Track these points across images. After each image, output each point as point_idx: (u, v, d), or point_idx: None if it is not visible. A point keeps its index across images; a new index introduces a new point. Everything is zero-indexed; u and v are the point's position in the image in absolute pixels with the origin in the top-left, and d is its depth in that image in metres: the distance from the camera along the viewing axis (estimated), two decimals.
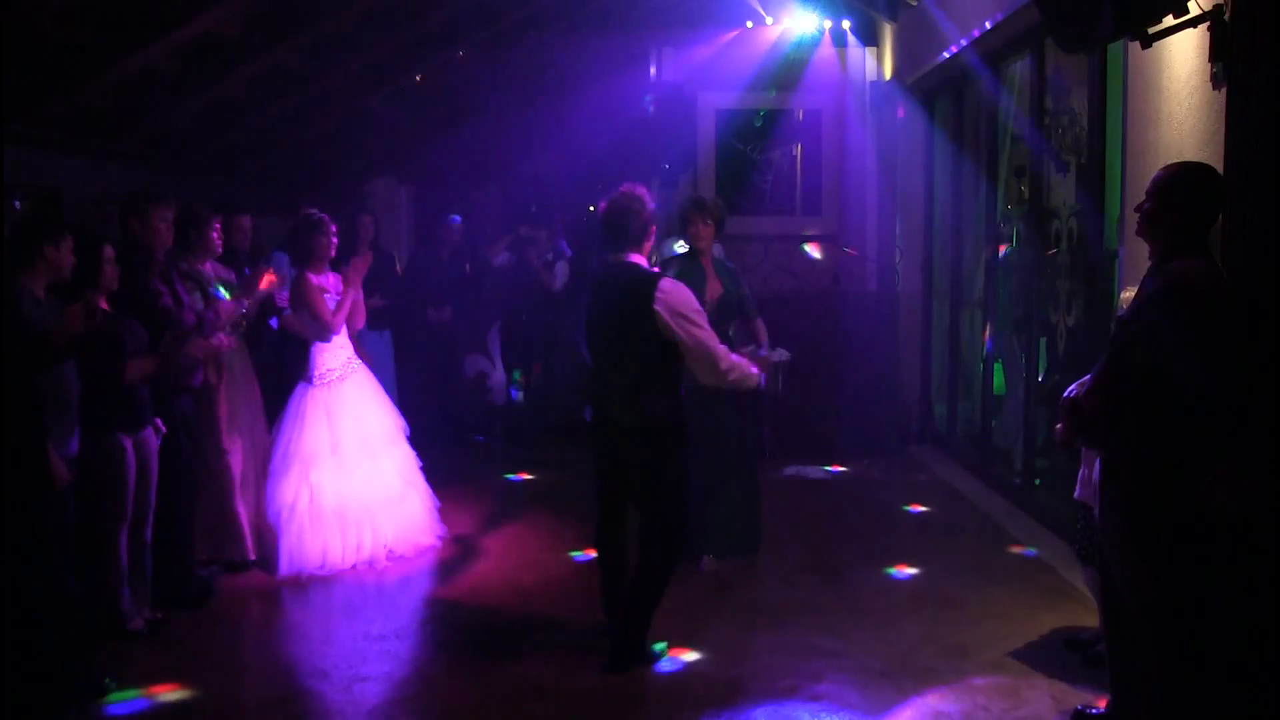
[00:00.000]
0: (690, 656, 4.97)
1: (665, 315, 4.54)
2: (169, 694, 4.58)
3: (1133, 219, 3.86)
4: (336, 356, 6.30)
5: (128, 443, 4.96)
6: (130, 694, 4.54)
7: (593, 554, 5.29)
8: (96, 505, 4.85)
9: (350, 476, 6.15)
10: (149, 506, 5.17)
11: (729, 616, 5.46)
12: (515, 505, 7.67)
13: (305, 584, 5.94)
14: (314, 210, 6.44)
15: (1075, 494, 4.64)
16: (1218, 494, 3.33)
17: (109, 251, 4.88)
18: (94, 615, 4.89)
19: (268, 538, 6.10)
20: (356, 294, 6.35)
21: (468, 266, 10.04)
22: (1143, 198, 3.68)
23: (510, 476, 8.46)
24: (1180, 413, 3.43)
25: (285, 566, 6.01)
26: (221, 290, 5.85)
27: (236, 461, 6.07)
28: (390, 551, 6.28)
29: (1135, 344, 3.49)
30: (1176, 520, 3.45)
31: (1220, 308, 3.42)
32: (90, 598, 4.86)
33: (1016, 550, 6.46)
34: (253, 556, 6.10)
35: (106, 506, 4.91)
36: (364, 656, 4.97)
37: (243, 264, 6.64)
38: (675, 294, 4.59)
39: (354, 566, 6.15)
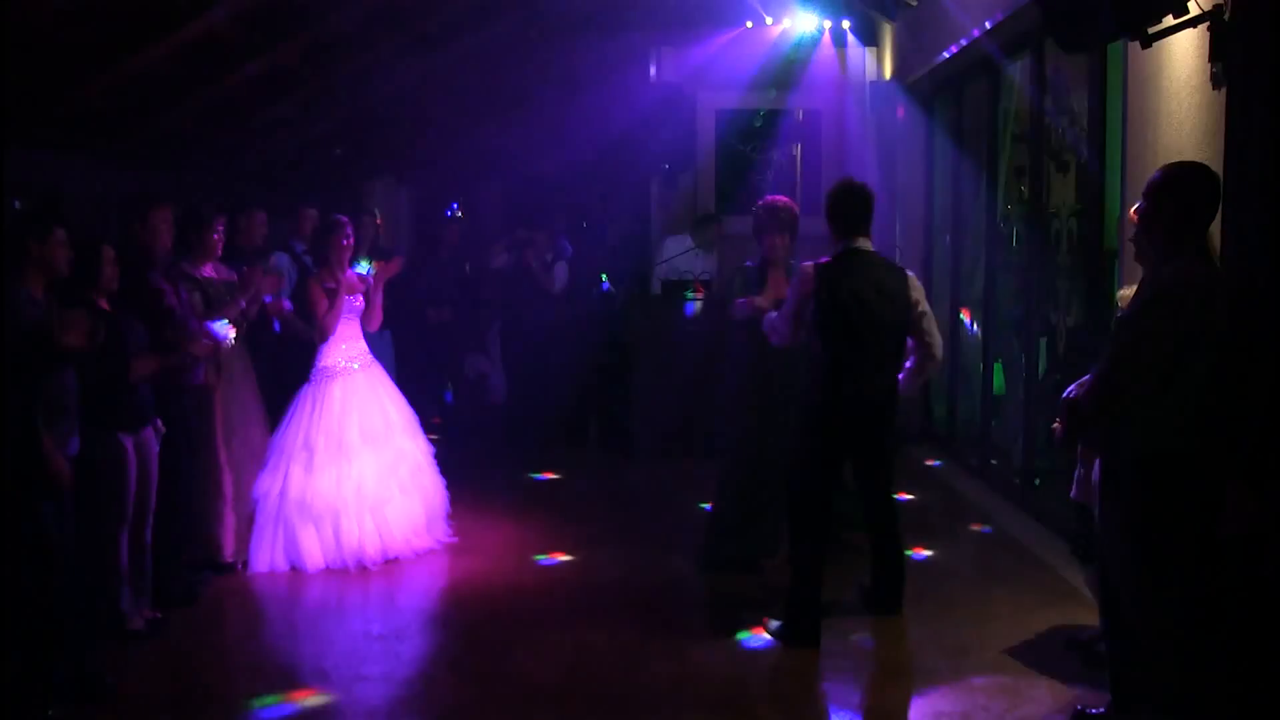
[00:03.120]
0: (690, 656, 4.97)
1: (917, 297, 5.09)
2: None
3: (1130, 214, 3.87)
4: (335, 354, 6.30)
5: (128, 443, 4.95)
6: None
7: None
8: (97, 506, 4.84)
9: (320, 473, 6.08)
10: (149, 507, 5.17)
11: (729, 616, 5.45)
12: (515, 505, 7.66)
13: (304, 584, 5.93)
14: (333, 213, 6.48)
15: (1071, 494, 4.65)
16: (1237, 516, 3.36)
17: (109, 252, 4.87)
18: (94, 615, 4.89)
19: (249, 531, 6.11)
20: (374, 296, 6.39)
21: (467, 267, 10.04)
22: (1140, 199, 3.69)
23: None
24: (1180, 416, 3.44)
25: (254, 560, 6.02)
26: (222, 328, 5.78)
27: (229, 463, 6.07)
28: (385, 552, 6.19)
29: (1134, 344, 3.49)
30: (1175, 520, 3.45)
31: (1215, 310, 3.43)
32: (90, 598, 4.86)
33: (1016, 550, 6.46)
34: (231, 559, 6.08)
35: (107, 507, 4.90)
36: (364, 656, 4.97)
37: (254, 260, 6.66)
38: (918, 281, 5.22)
39: (345, 567, 6.08)
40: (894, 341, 5.07)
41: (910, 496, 7.73)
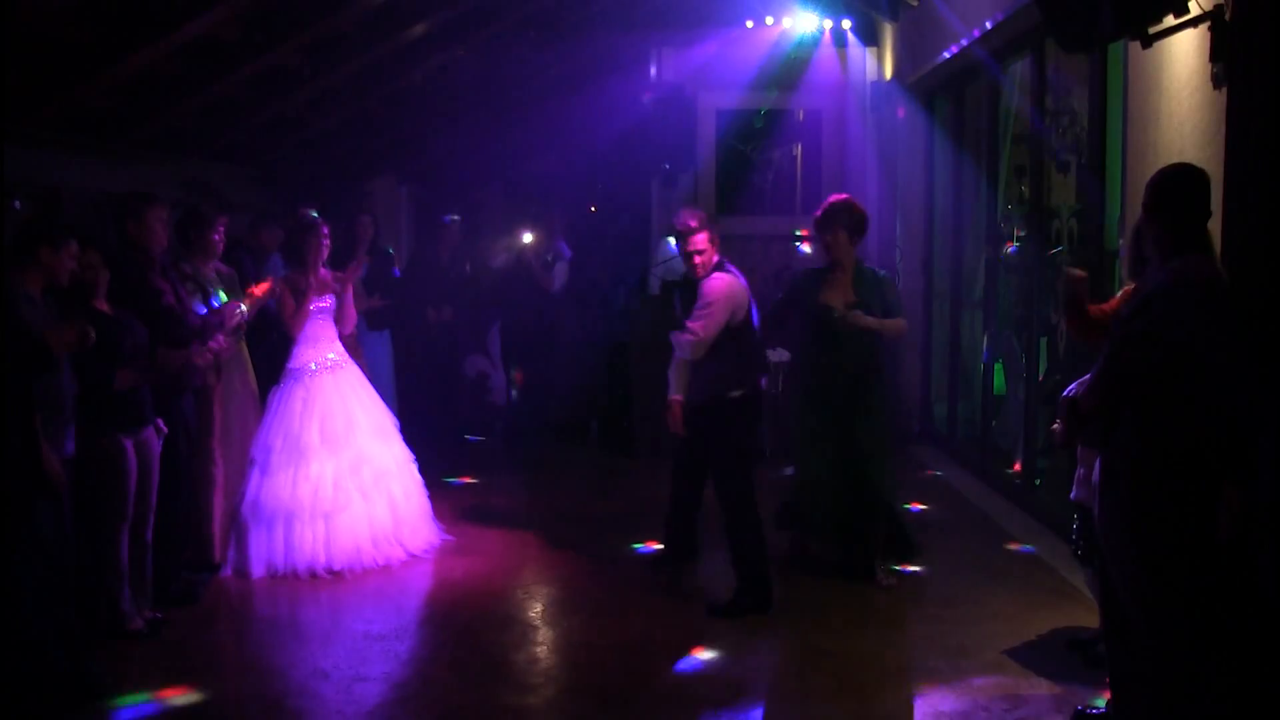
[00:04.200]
0: (690, 656, 4.97)
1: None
2: (174, 696, 4.57)
3: (1133, 220, 3.87)
4: (305, 355, 6.25)
5: (128, 443, 4.95)
6: (137, 697, 4.51)
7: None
8: (97, 506, 4.84)
9: (274, 475, 6.02)
10: (150, 507, 5.17)
11: (729, 616, 5.45)
12: (515, 505, 7.66)
13: (304, 585, 5.91)
14: (307, 212, 6.46)
15: (1071, 495, 4.65)
16: (1229, 518, 3.36)
17: (94, 257, 4.84)
18: (94, 615, 4.90)
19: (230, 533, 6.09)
20: (345, 297, 6.37)
21: (468, 267, 10.06)
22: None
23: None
24: (1179, 415, 3.44)
25: (226, 565, 6.00)
26: (220, 294, 5.85)
27: (221, 465, 6.05)
28: (331, 561, 6.00)
29: (1135, 342, 3.49)
30: (1174, 520, 3.45)
31: (1215, 308, 3.43)
32: (91, 598, 4.86)
33: (1016, 550, 6.46)
34: (219, 559, 6.07)
35: (107, 507, 4.90)
36: (364, 656, 4.97)
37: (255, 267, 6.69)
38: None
39: (292, 573, 5.97)
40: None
41: (908, 494, 7.75)
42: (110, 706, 4.42)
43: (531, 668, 4.89)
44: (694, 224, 5.55)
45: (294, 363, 6.25)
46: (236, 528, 6.02)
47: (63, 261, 4.49)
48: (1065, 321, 4.36)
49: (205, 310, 5.73)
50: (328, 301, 6.33)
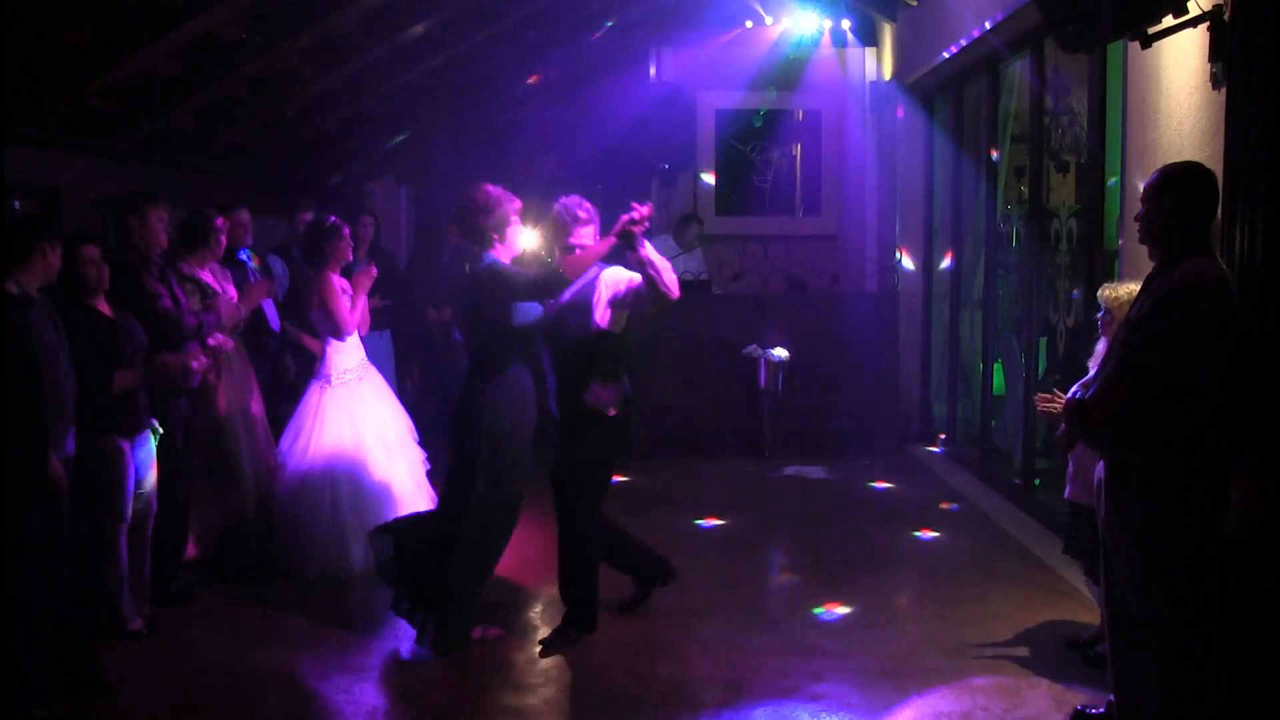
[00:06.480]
0: (690, 656, 4.97)
1: None
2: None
3: (1133, 220, 3.86)
4: (351, 357, 6.29)
5: (126, 445, 4.95)
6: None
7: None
8: (96, 507, 4.84)
9: (372, 476, 6.12)
10: (149, 508, 5.17)
11: (729, 616, 5.46)
12: None
13: (312, 583, 5.92)
14: (328, 215, 6.48)
15: (1066, 494, 4.65)
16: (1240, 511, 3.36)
17: (90, 252, 4.84)
18: (94, 615, 4.90)
19: (289, 536, 6.06)
20: (361, 301, 6.39)
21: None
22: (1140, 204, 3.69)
23: None
24: (1193, 416, 3.43)
25: (317, 565, 6.00)
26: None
27: (237, 460, 6.06)
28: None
29: (1152, 345, 3.47)
30: (1188, 520, 3.44)
31: (1232, 307, 3.43)
32: (90, 598, 4.86)
33: (1015, 550, 6.47)
34: (253, 554, 6.08)
35: (106, 508, 4.90)
36: (364, 655, 4.97)
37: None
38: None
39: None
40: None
41: (910, 494, 7.75)
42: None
43: (531, 668, 4.89)
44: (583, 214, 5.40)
45: (346, 364, 6.25)
46: (348, 529, 6.02)
47: (57, 259, 4.50)
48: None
49: (200, 308, 5.72)
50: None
